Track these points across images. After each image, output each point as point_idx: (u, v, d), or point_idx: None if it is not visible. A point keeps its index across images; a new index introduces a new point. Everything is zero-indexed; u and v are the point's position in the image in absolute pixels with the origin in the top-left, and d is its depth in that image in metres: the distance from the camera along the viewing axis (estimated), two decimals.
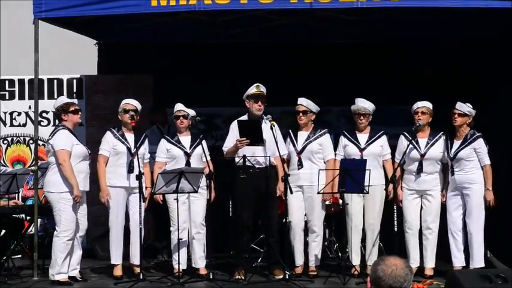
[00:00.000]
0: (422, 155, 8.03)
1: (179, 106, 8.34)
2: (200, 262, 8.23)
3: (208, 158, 8.21)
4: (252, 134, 8.00)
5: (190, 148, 8.23)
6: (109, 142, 8.19)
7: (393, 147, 8.31)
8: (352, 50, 10.23)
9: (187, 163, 8.14)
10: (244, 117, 8.26)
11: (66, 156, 7.76)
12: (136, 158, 8.07)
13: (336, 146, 8.33)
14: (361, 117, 8.22)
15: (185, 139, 8.30)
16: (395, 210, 8.01)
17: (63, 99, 8.36)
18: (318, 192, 7.94)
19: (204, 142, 8.31)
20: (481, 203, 7.88)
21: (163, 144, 8.32)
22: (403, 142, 8.18)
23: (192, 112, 8.35)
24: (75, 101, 8.31)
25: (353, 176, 7.77)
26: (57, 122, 9.84)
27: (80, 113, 8.07)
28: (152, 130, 9.47)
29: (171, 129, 9.39)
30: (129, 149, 8.13)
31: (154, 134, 9.25)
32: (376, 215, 8.19)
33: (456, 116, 7.94)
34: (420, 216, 8.13)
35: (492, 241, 8.25)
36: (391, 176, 8.00)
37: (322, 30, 9.88)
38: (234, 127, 8.23)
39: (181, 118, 8.28)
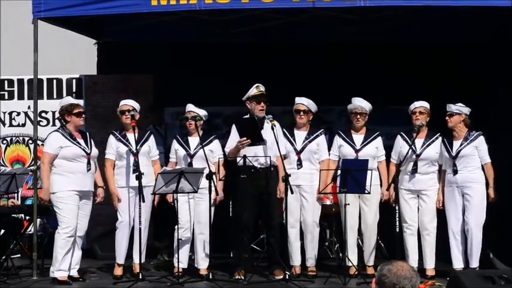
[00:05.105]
0: (418, 155, 8.02)
1: (189, 107, 8.32)
2: (202, 263, 8.20)
3: (215, 160, 8.14)
4: (251, 134, 7.97)
5: (193, 149, 8.19)
6: (113, 145, 8.21)
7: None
8: (353, 50, 10.20)
9: (190, 164, 8.11)
10: (245, 117, 8.23)
11: (45, 159, 7.87)
12: (139, 157, 8.04)
13: (330, 146, 8.32)
14: (358, 117, 8.18)
15: (193, 140, 8.24)
16: (397, 211, 7.99)
17: (69, 99, 8.31)
18: (319, 193, 7.92)
19: (215, 142, 8.27)
20: (481, 203, 7.87)
21: (173, 144, 8.34)
22: (399, 142, 8.17)
23: (202, 112, 8.30)
24: (81, 102, 8.23)
25: (354, 176, 7.75)
26: (57, 122, 9.90)
27: (83, 115, 8.06)
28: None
29: (170, 131, 9.38)
30: (131, 149, 8.12)
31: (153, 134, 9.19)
32: (373, 216, 8.16)
33: (447, 117, 7.94)
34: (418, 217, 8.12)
35: (493, 242, 8.22)
36: (393, 178, 7.96)
37: (323, 29, 9.86)
38: (235, 128, 8.20)
39: (189, 119, 8.24)
